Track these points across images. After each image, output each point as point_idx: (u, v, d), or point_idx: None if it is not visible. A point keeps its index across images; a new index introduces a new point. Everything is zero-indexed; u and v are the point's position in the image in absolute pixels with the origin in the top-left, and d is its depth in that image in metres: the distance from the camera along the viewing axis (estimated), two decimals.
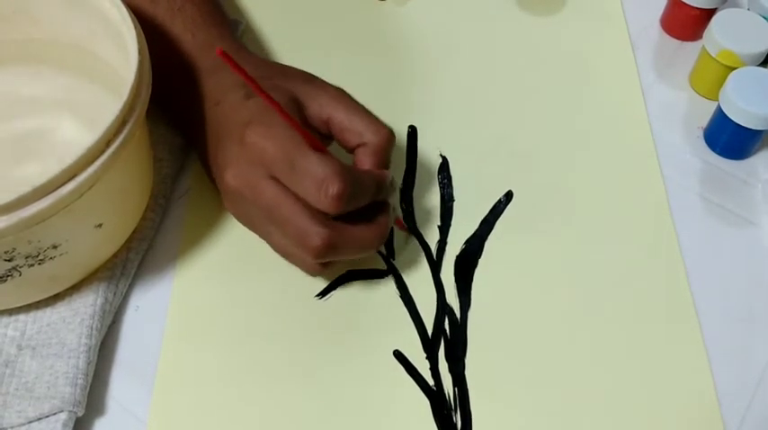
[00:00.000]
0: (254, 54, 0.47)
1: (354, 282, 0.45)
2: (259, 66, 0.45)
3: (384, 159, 0.42)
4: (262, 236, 0.42)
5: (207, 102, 0.44)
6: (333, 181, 0.37)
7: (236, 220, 0.43)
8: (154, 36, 0.44)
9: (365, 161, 0.41)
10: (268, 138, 0.39)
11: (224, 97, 0.43)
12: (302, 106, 0.42)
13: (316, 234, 0.38)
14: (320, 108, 0.41)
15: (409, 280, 0.46)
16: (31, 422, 0.39)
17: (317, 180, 0.38)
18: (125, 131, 0.38)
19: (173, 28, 0.46)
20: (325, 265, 0.42)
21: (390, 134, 0.42)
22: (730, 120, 0.50)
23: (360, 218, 0.40)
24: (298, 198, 0.39)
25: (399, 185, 0.50)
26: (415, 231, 0.48)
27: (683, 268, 0.47)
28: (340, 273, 0.45)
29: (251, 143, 0.39)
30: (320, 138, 0.42)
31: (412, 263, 0.47)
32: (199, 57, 0.45)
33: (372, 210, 0.41)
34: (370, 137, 0.41)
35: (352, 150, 0.42)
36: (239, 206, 0.42)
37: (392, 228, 0.48)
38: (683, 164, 0.52)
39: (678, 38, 0.58)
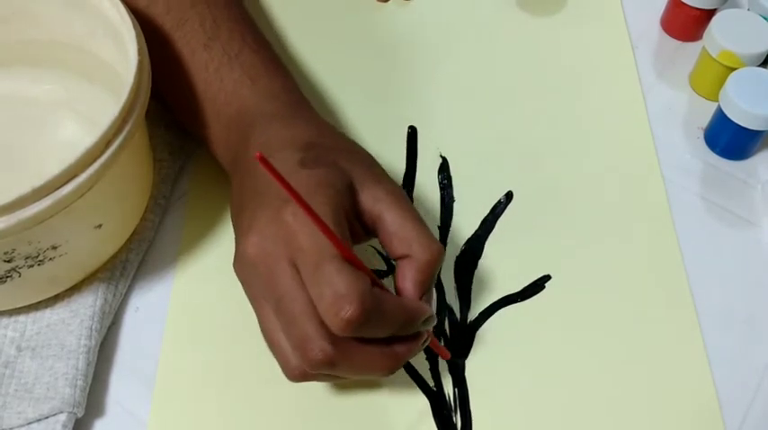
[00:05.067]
0: (315, 113, 0.44)
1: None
2: (325, 133, 0.41)
3: (428, 278, 0.37)
4: (255, 310, 0.38)
5: (258, 151, 0.40)
6: (351, 302, 0.33)
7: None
8: (211, 83, 0.43)
9: (407, 276, 0.37)
10: (305, 224, 0.34)
11: (277, 154, 0.38)
12: (356, 193, 0.37)
13: (319, 347, 0.34)
14: (374, 202, 0.37)
15: None
16: (30, 423, 0.39)
17: (336, 294, 0.33)
18: (124, 132, 0.38)
19: (231, 74, 0.43)
20: (309, 376, 0.37)
21: (440, 251, 0.37)
22: (730, 120, 0.50)
23: (376, 339, 0.36)
24: (312, 299, 0.35)
25: (400, 185, 0.49)
26: None
27: (682, 268, 0.47)
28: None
29: (285, 221, 0.35)
30: (364, 232, 0.38)
31: None
32: (258, 104, 0.42)
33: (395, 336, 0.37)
34: (417, 250, 0.37)
35: (396, 259, 0.38)
36: (247, 273, 0.37)
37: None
38: (683, 164, 0.52)
39: (678, 38, 0.58)
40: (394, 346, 0.37)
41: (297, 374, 0.36)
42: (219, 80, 0.43)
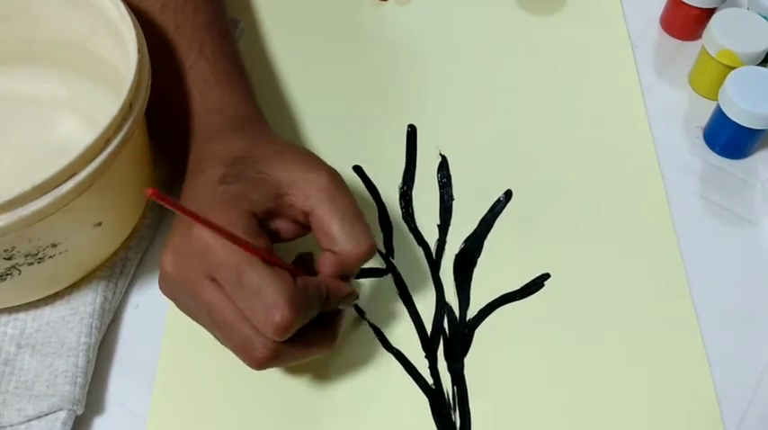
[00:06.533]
0: (262, 125, 0.44)
1: (353, 281, 0.45)
2: (259, 144, 0.40)
3: (349, 272, 0.38)
4: (194, 320, 0.39)
5: (192, 169, 0.41)
6: (283, 308, 0.34)
7: None
8: (166, 92, 0.43)
9: (327, 268, 0.38)
10: (218, 238, 0.34)
11: (204, 170, 0.39)
12: (284, 195, 0.38)
13: (262, 345, 0.35)
14: (304, 199, 0.38)
15: (408, 278, 0.46)
16: (30, 420, 0.39)
17: (265, 305, 0.34)
18: (124, 130, 0.38)
19: (183, 85, 0.43)
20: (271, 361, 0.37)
21: (369, 249, 0.37)
22: (730, 119, 0.50)
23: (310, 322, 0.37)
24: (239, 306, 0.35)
25: (399, 184, 0.50)
26: (414, 231, 0.48)
27: (682, 268, 0.47)
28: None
29: (199, 237, 0.35)
30: (298, 228, 0.39)
31: (411, 261, 0.47)
32: (202, 119, 0.43)
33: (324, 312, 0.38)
34: (344, 247, 0.37)
35: (322, 249, 0.38)
36: (170, 291, 0.38)
37: (392, 229, 0.48)
38: (682, 163, 0.52)
39: (678, 37, 0.59)
40: (330, 321, 0.39)
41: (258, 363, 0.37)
42: (174, 91, 0.43)
